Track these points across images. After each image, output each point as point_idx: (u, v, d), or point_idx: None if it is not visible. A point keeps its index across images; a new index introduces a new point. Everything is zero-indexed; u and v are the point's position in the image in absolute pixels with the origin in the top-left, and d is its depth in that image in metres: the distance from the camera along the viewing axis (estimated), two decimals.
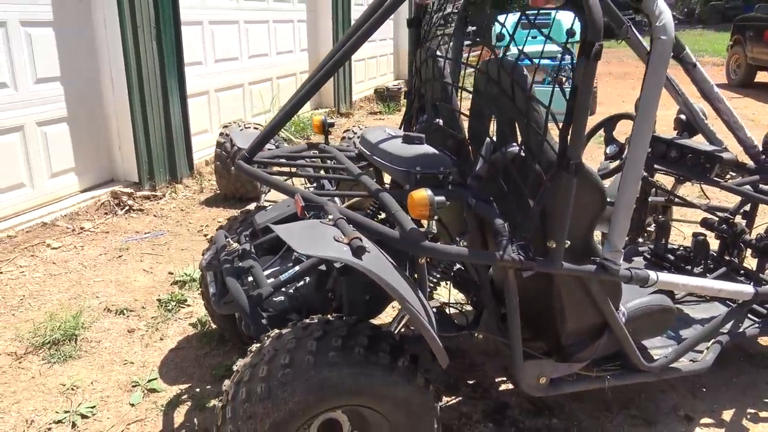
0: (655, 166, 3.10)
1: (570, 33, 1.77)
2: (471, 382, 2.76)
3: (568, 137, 1.81)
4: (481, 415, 2.57)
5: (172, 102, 5.49)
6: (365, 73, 10.99)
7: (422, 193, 1.83)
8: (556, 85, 1.84)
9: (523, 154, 2.02)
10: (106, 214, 4.85)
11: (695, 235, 3.09)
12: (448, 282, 2.53)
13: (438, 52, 2.48)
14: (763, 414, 2.65)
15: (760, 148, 2.74)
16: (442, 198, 1.85)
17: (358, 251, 1.73)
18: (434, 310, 2.09)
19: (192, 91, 5.95)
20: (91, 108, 5.04)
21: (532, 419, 2.55)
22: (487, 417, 2.55)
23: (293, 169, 2.51)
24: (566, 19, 8.10)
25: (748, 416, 2.63)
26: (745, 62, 12.40)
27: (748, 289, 2.48)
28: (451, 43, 2.59)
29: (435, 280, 2.28)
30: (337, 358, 1.82)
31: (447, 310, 2.50)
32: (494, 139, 2.26)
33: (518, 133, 2.10)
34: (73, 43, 4.79)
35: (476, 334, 2.22)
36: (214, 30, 6.49)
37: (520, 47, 1.90)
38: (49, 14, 4.56)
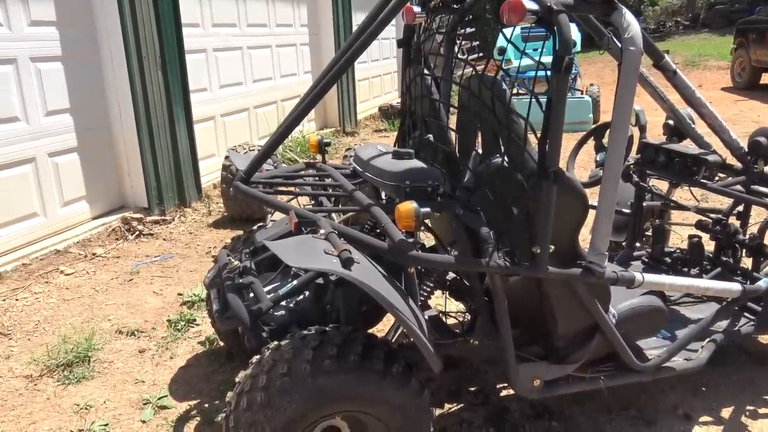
0: (647, 171, 3.17)
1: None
2: (473, 388, 2.81)
3: (546, 146, 1.89)
4: (483, 420, 2.62)
5: (179, 128, 5.64)
6: (370, 91, 11.15)
7: (408, 206, 1.91)
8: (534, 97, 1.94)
9: (506, 164, 2.10)
10: (117, 239, 4.98)
11: (690, 237, 3.14)
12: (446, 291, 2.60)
13: (426, 71, 2.58)
14: (762, 410, 2.68)
15: (746, 150, 2.80)
16: (427, 209, 1.94)
17: (347, 262, 1.81)
18: (427, 318, 2.16)
19: (198, 117, 6.10)
20: (101, 138, 5.20)
21: (533, 423, 2.60)
22: (488, 422, 2.61)
23: (292, 188, 2.60)
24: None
25: (747, 413, 2.67)
26: (749, 65, 12.44)
27: (736, 287, 2.53)
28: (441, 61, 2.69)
29: (429, 289, 2.35)
30: (332, 365, 1.90)
31: (444, 319, 2.57)
32: (480, 151, 2.35)
33: (501, 144, 2.18)
34: (82, 76, 4.96)
35: (472, 340, 2.29)
36: (218, 57, 6.66)
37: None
38: (58, 50, 4.73)
